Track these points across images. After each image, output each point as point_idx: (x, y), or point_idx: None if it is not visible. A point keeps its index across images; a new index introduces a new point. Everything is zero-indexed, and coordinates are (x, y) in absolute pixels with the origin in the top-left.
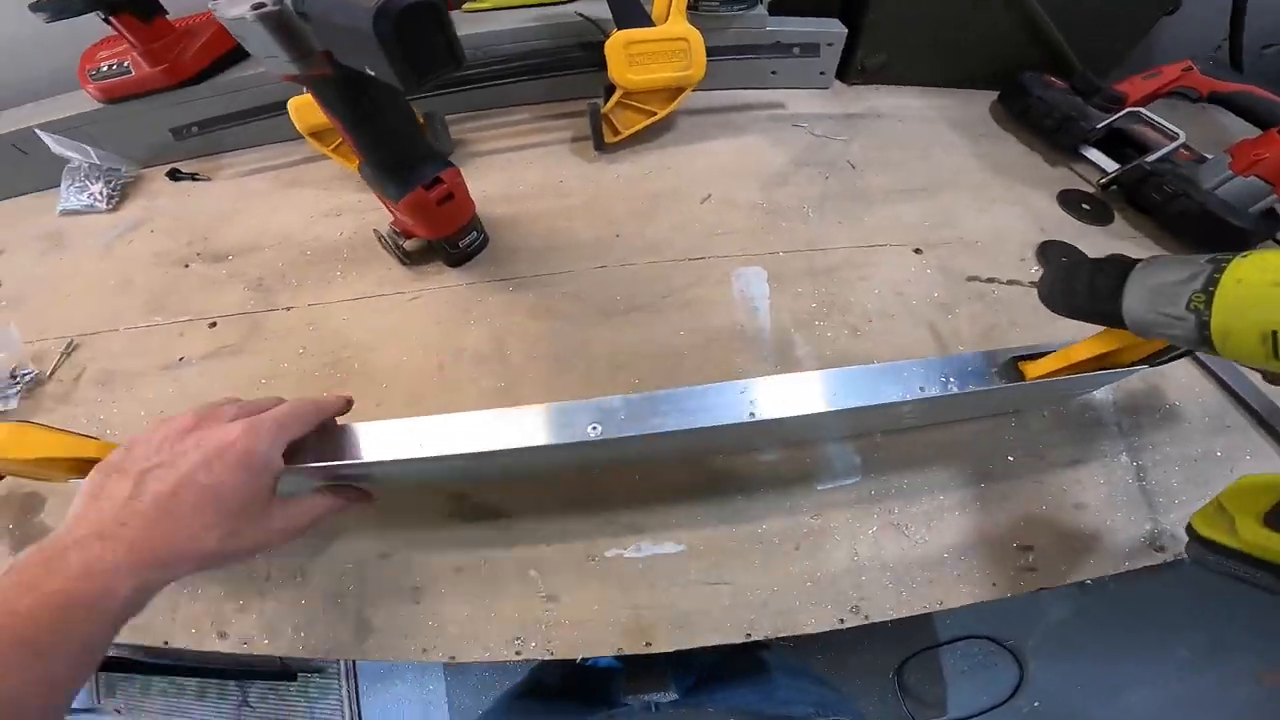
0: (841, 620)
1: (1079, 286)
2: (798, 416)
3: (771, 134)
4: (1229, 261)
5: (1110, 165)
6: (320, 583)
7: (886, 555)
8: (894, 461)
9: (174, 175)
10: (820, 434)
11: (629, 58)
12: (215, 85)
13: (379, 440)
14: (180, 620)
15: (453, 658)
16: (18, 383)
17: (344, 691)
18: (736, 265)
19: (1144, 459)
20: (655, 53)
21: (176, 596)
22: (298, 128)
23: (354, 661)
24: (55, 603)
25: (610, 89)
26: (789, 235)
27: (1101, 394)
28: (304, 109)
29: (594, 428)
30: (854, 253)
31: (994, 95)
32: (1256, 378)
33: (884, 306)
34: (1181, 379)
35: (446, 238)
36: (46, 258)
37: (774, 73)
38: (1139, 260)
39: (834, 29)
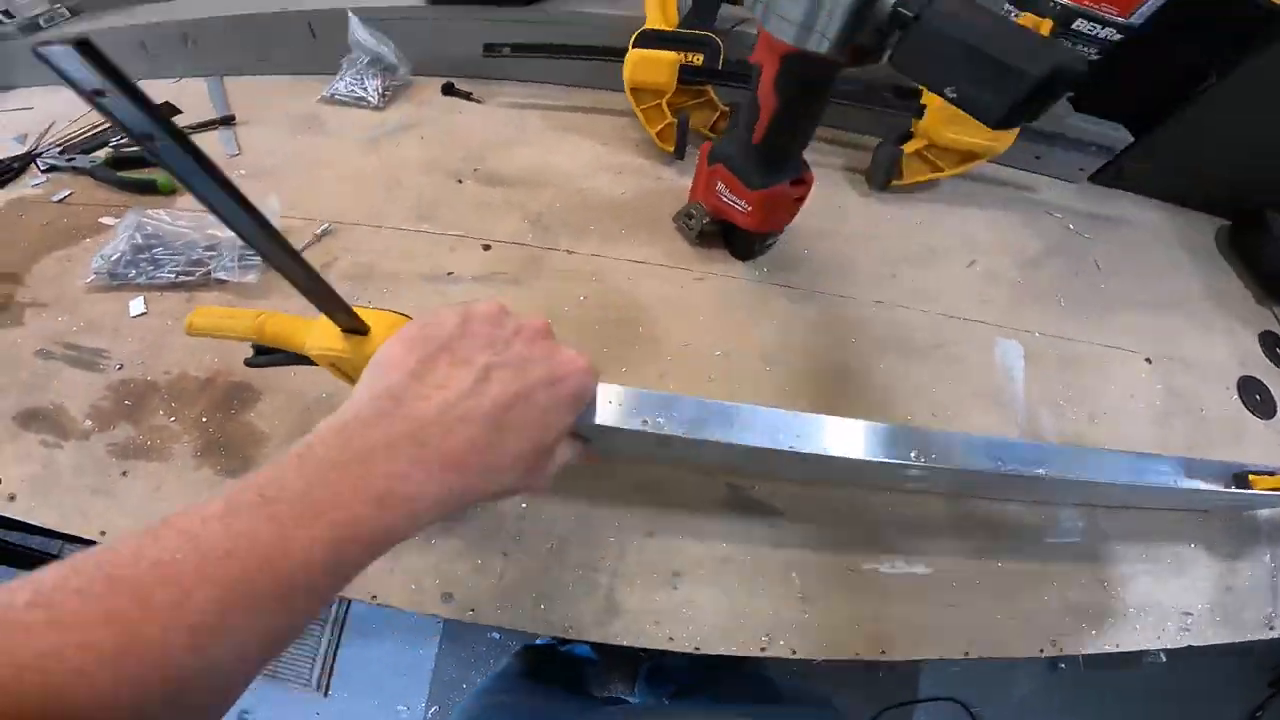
0: (1041, 650)
1: None
2: (1090, 483)
3: (1026, 215)
4: None
5: None
6: (575, 555)
7: (1087, 604)
8: (1108, 533)
9: (448, 89)
10: (1063, 497)
11: (950, 115)
12: (544, 10)
13: (625, 405)
14: (400, 573)
15: (697, 648)
16: None
17: (324, 639)
18: (996, 334)
19: None
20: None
21: (403, 546)
22: (627, 79)
23: (347, 611)
24: (341, 536)
25: (906, 135)
26: (1041, 317)
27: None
28: (640, 64)
29: (915, 454)
30: (1095, 349)
31: (1220, 221)
32: None
33: (1116, 404)
34: None
35: (762, 232)
36: (299, 138)
37: (1037, 158)
38: None
39: (1121, 135)
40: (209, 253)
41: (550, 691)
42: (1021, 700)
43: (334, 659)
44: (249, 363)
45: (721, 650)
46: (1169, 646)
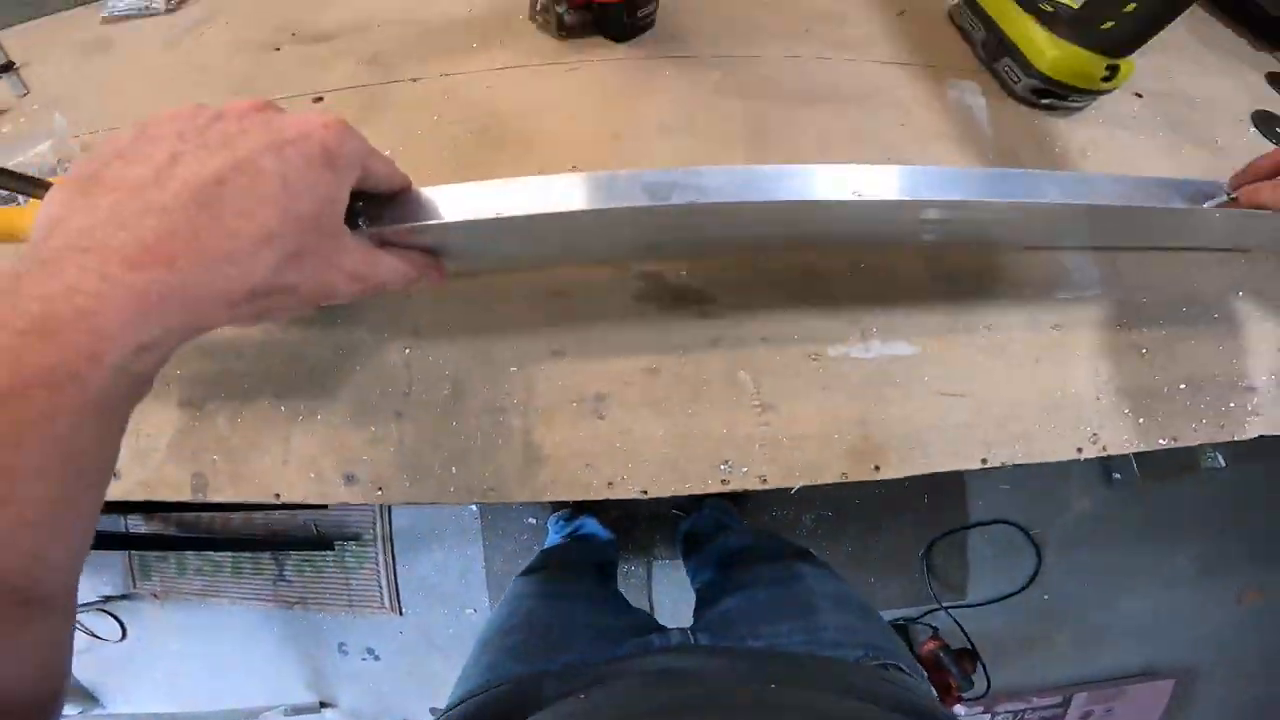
0: (1079, 450)
1: None
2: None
3: None
4: None
5: None
6: (477, 397)
7: (1126, 380)
8: (1133, 282)
9: None
10: (1066, 235)
11: None
12: None
13: (465, 201)
14: (295, 462)
15: (645, 491)
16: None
17: (380, 559)
18: (946, 77)
19: None
20: None
21: (289, 427)
22: None
23: (390, 525)
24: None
25: None
26: None
27: None
28: None
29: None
30: None
31: None
32: None
33: (1104, 136)
34: None
35: (629, 2)
36: (91, 61)
37: None
38: None
39: None
40: None
41: (579, 590)
42: (1079, 517)
43: (396, 578)
44: None
45: (674, 490)
46: (1235, 438)
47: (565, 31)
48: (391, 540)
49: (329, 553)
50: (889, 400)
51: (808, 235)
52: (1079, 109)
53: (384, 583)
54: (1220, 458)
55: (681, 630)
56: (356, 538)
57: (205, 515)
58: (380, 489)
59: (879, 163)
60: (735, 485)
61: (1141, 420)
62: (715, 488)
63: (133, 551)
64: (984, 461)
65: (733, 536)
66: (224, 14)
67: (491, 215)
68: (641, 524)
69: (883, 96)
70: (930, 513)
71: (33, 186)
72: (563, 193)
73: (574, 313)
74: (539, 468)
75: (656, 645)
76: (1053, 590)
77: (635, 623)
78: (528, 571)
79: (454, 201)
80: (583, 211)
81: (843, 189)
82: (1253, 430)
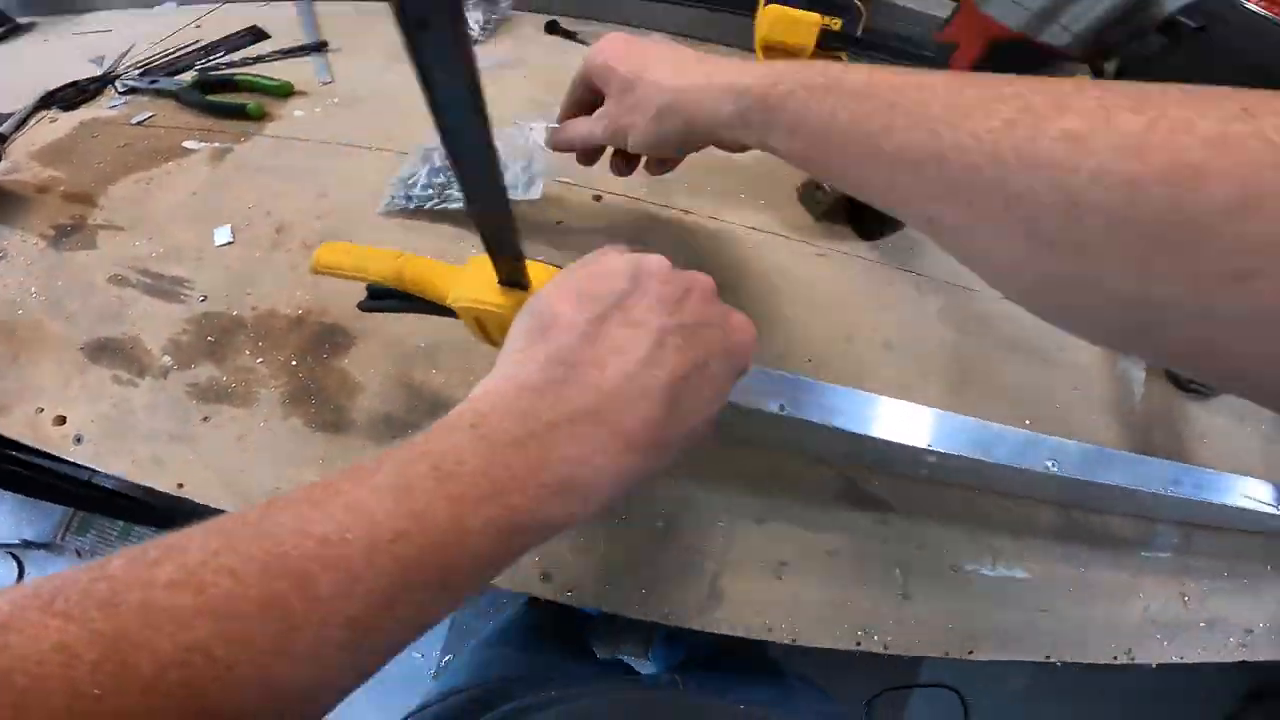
0: (1115, 658)
1: None
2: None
3: None
4: None
5: None
6: (682, 539)
7: (1165, 616)
8: (1197, 549)
9: (551, 28)
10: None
11: None
12: None
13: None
14: None
15: (794, 640)
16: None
17: None
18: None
19: None
20: None
21: None
22: (761, 34)
23: None
24: (516, 522)
25: None
26: None
27: None
28: (779, 21)
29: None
30: None
31: None
32: None
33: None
34: None
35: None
36: (395, 68)
37: None
38: None
39: None
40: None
41: (552, 647)
42: (1014, 693)
43: None
44: (362, 306)
45: (818, 643)
46: (1226, 660)
47: (825, 214)
48: None
49: None
50: (997, 606)
51: (987, 482)
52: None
53: None
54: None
55: (668, 674)
56: None
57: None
58: (571, 590)
59: (1048, 421)
60: (865, 647)
61: (1165, 643)
62: (850, 645)
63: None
64: (1048, 657)
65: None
66: (525, 64)
67: (776, 412)
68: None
69: (1065, 355)
70: (882, 668)
71: (512, 260)
72: (833, 408)
73: (782, 492)
74: (717, 606)
75: (645, 682)
76: None
77: (612, 663)
78: (511, 622)
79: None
80: (855, 434)
81: (1038, 459)
82: (1236, 658)
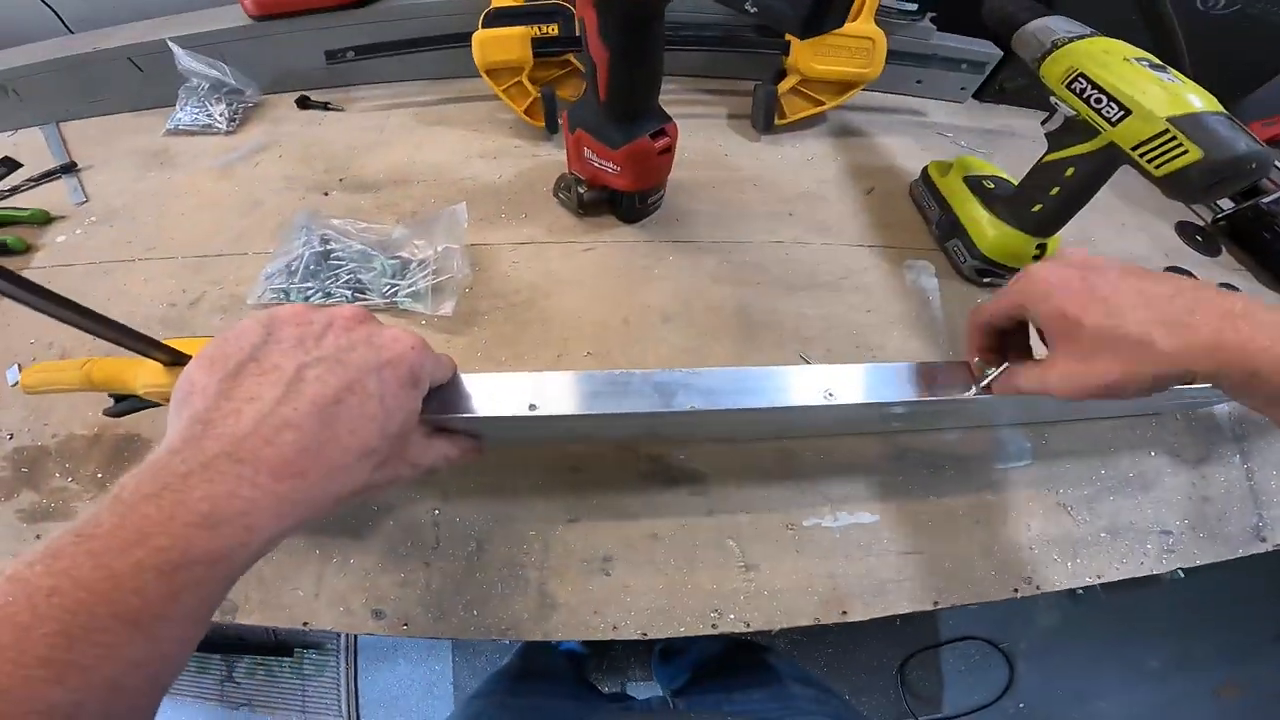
0: (1015, 590)
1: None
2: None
3: (919, 139)
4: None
5: (1226, 203)
6: (498, 553)
7: (1053, 532)
8: (1059, 450)
9: (303, 103)
10: (1001, 418)
11: (815, 47)
12: (380, 10)
13: (499, 393)
14: (325, 597)
15: (644, 634)
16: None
17: (341, 669)
18: (905, 257)
19: (1252, 462)
20: (841, 46)
21: (322, 567)
22: (478, 62)
23: (355, 638)
24: (169, 560)
25: (781, 74)
26: None
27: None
28: (488, 44)
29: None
30: None
31: None
32: None
33: None
34: None
35: (640, 191)
36: (149, 175)
37: (919, 82)
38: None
39: (991, 51)
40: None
41: (548, 689)
42: (1046, 631)
43: (356, 688)
44: (108, 412)
45: (670, 633)
46: (1154, 571)
47: (585, 209)
48: (356, 651)
49: (286, 659)
50: (854, 559)
51: (785, 429)
52: None
53: (343, 693)
54: (1180, 571)
55: (661, 698)
56: (319, 646)
57: None
58: (406, 624)
59: (848, 349)
60: (723, 629)
61: (1069, 564)
62: (706, 630)
63: None
64: (935, 604)
65: (706, 642)
66: (280, 144)
67: (526, 413)
68: (618, 646)
69: (851, 280)
70: (902, 632)
71: (149, 347)
72: (589, 392)
73: (587, 485)
74: (551, 613)
75: (637, 707)
76: (1028, 699)
77: (613, 696)
78: (503, 671)
79: (493, 391)
80: (602, 414)
81: (814, 393)
82: (1170, 565)
